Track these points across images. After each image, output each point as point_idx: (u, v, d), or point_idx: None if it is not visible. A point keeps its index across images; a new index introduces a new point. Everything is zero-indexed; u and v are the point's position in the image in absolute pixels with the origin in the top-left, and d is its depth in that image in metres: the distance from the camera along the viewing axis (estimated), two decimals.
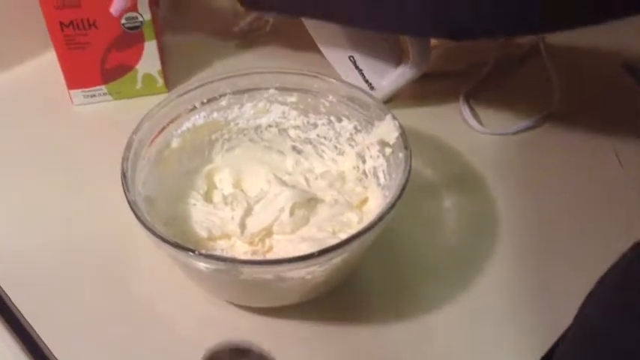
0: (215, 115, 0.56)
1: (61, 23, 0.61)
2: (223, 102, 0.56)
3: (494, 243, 0.56)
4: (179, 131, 0.55)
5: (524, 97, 0.70)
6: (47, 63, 0.70)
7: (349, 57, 0.65)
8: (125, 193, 0.46)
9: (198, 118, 0.55)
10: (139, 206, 0.46)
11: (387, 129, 0.52)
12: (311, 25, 0.65)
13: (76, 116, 0.68)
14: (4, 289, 0.52)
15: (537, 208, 0.59)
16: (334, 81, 0.56)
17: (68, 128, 0.67)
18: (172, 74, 0.71)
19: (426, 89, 0.70)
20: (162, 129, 0.53)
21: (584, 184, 0.61)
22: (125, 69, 0.66)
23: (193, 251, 0.43)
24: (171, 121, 0.54)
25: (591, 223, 0.58)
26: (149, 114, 0.52)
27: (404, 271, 0.54)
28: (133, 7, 0.62)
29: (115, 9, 0.61)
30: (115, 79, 0.67)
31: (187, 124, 0.55)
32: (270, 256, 0.50)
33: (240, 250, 0.51)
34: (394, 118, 0.52)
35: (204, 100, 0.55)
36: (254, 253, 0.50)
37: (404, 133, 0.51)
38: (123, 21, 0.62)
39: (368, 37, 0.65)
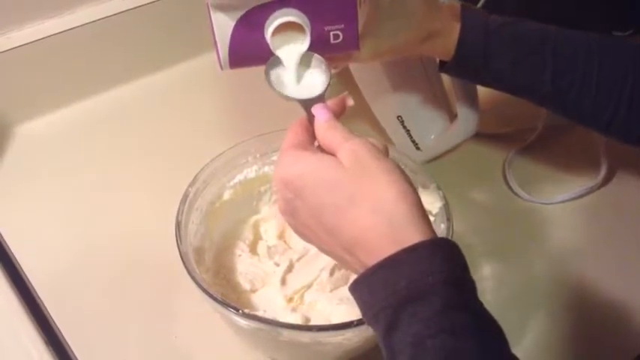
0: (266, 168, 0.59)
1: None
2: (275, 157, 0.59)
3: (532, 313, 0.57)
4: (231, 183, 0.57)
5: (570, 167, 0.70)
6: None
7: (398, 116, 0.67)
8: (177, 245, 0.49)
9: (250, 172, 0.58)
10: (189, 257, 0.49)
11: (431, 198, 0.53)
12: (363, 80, 0.67)
13: None
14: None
15: (577, 279, 0.60)
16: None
17: None
18: None
19: (472, 150, 0.70)
20: (216, 182, 0.56)
21: (630, 259, 0.62)
22: None
23: (237, 310, 0.45)
24: (225, 174, 0.56)
25: (634, 296, 0.58)
26: (204, 168, 0.54)
27: None
28: None
29: None
30: None
31: (240, 177, 0.58)
32: (307, 314, 0.52)
33: (280, 304, 0.53)
34: (439, 188, 0.53)
35: (257, 155, 0.58)
36: (293, 309, 0.52)
37: (447, 205, 0.52)
38: None
39: (418, 97, 0.66)
